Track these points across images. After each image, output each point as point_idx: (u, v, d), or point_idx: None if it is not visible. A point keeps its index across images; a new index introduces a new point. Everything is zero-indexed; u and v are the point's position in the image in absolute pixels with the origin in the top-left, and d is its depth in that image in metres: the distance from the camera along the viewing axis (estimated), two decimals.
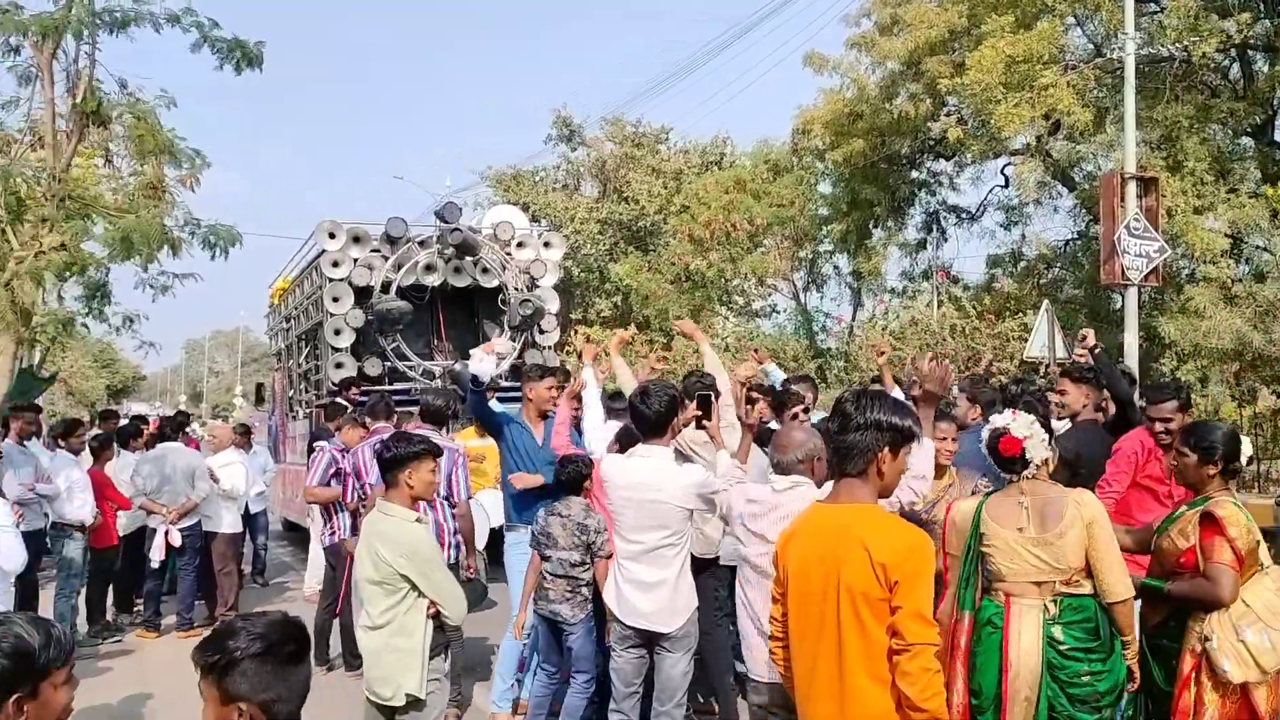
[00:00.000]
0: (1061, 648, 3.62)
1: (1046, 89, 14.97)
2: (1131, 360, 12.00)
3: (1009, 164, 19.04)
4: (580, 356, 6.76)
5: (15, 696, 2.21)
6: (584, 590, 5.31)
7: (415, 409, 7.71)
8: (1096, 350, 5.82)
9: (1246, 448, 4.03)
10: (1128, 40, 12.64)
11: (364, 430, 7.48)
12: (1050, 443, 3.90)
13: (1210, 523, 3.76)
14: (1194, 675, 3.76)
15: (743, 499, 4.12)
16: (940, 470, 4.87)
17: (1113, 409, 5.84)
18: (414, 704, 4.11)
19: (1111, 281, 12.31)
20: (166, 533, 8.98)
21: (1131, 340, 12.28)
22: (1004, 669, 3.62)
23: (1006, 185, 19.95)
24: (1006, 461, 3.84)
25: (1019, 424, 3.83)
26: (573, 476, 5.45)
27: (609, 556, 5.13)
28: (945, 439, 4.90)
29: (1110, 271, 12.01)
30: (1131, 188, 12.03)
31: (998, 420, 3.92)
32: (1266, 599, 3.73)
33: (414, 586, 4.10)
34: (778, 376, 7.94)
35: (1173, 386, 5.59)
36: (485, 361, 5.98)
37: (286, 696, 2.26)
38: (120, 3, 9.00)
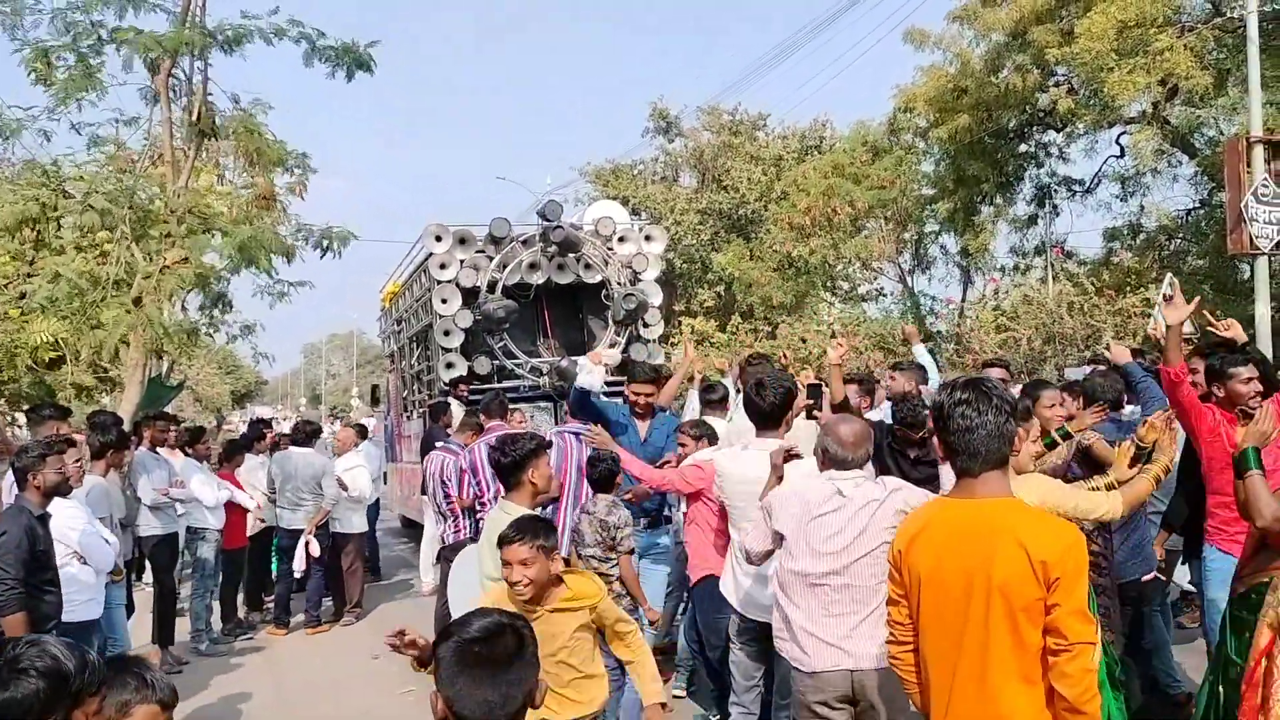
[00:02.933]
0: None
1: (1162, 53, 14.34)
2: (1263, 333, 11.44)
3: (1124, 133, 18.31)
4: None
5: None
6: (614, 587, 5.36)
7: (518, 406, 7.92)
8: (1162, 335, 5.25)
9: None
10: None
11: (477, 430, 7.60)
12: None
13: None
14: (1271, 648, 3.61)
15: (806, 510, 3.86)
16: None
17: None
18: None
19: (1239, 251, 11.76)
20: (307, 544, 9.32)
21: (1263, 312, 11.70)
22: None
23: (1122, 155, 19.20)
24: None
25: None
26: (602, 475, 5.52)
27: (630, 552, 5.29)
28: (1052, 406, 4.84)
29: (1238, 241, 11.47)
30: (1258, 152, 11.44)
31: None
32: None
33: None
34: (926, 359, 7.87)
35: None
36: (594, 374, 6.09)
37: None
38: (231, 20, 9.30)
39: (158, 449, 8.72)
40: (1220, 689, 3.83)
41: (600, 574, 5.40)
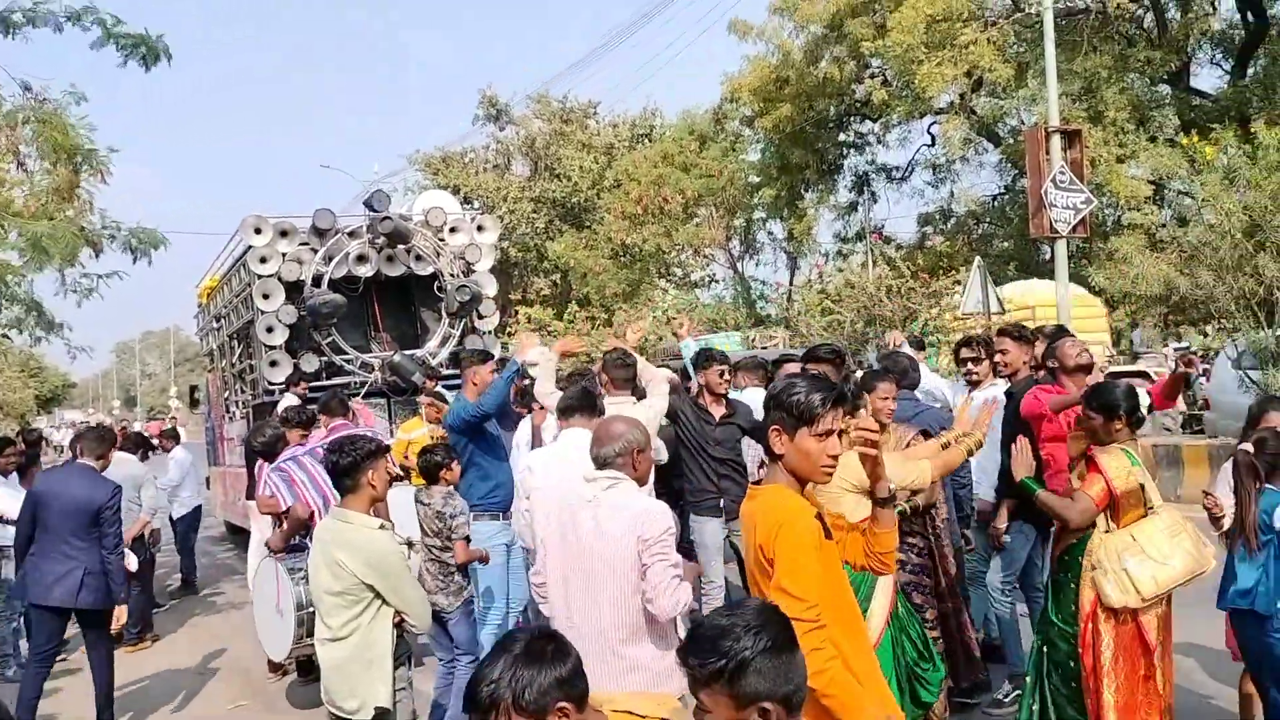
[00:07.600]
0: None
1: (967, 46, 15.13)
2: (1064, 311, 12.23)
3: (934, 122, 19.25)
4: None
5: None
6: (456, 578, 5.49)
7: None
8: None
9: (1144, 399, 4.43)
10: None
11: (303, 430, 7.26)
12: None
13: (1093, 464, 4.20)
14: (1093, 610, 4.12)
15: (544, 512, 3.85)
16: (882, 427, 5.04)
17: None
18: (382, 715, 3.96)
19: (1041, 234, 12.50)
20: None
21: (1063, 292, 12.50)
22: None
23: (933, 144, 20.20)
24: None
25: None
26: (431, 465, 5.58)
27: (465, 539, 5.44)
28: (886, 398, 5.07)
29: (1039, 224, 12.19)
30: (1056, 140, 12.19)
31: None
32: (1153, 536, 4.10)
33: (378, 595, 3.93)
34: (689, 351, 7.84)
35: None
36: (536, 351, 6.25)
37: (800, 684, 2.11)
38: (19, 2, 8.64)
39: None
40: (1044, 647, 4.35)
41: (441, 563, 5.39)
